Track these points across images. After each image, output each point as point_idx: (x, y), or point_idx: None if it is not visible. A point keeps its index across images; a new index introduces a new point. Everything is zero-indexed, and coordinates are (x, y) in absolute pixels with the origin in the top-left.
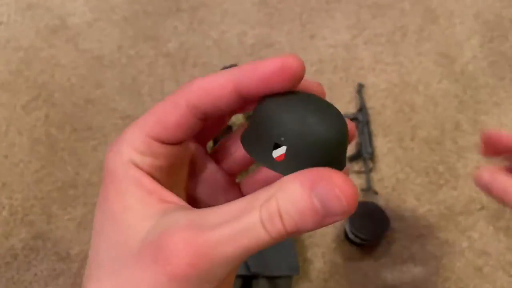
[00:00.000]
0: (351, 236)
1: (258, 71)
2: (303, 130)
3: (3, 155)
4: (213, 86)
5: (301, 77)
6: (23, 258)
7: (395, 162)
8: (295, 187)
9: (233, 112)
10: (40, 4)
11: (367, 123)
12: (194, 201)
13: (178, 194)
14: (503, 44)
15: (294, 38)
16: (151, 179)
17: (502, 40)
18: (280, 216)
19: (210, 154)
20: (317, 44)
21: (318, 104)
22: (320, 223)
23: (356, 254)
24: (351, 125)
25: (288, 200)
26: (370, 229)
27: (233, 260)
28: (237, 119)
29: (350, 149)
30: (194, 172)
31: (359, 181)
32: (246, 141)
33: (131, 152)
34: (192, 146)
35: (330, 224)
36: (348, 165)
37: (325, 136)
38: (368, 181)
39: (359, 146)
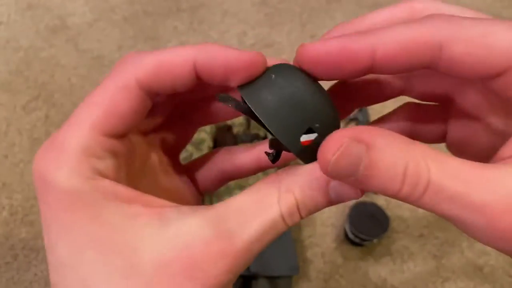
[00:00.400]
0: (351, 236)
1: (223, 60)
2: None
3: (3, 155)
4: (170, 64)
5: (259, 72)
6: (23, 258)
7: None
8: (312, 182)
9: (187, 92)
10: (40, 4)
11: (367, 123)
12: (147, 189)
13: (146, 190)
14: None
15: (294, 38)
16: (124, 186)
17: None
18: (299, 210)
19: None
20: None
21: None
22: (329, 205)
23: (356, 254)
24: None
25: (306, 196)
26: (370, 229)
27: (257, 254)
28: (237, 119)
29: None
30: (143, 166)
31: None
32: (249, 92)
33: (87, 160)
34: (135, 137)
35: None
36: None
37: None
38: None
39: None
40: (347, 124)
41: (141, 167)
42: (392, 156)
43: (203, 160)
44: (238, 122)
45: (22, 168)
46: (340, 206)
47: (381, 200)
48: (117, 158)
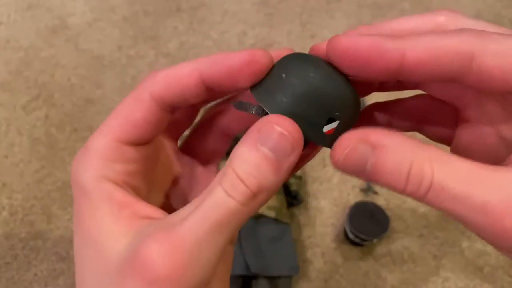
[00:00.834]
0: (351, 236)
1: (225, 63)
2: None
3: (3, 155)
4: (177, 77)
5: (266, 70)
6: (23, 258)
7: None
8: (243, 149)
9: (202, 102)
10: (40, 4)
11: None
12: (179, 201)
13: (157, 199)
14: None
15: (294, 38)
16: (123, 191)
17: None
18: (241, 180)
19: (181, 150)
20: None
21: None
22: (280, 170)
23: (356, 254)
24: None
25: (241, 162)
26: (370, 229)
27: (212, 243)
28: None
29: None
30: (170, 171)
31: (359, 181)
32: (259, 92)
33: (100, 163)
34: (164, 143)
35: (289, 169)
36: None
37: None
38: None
39: None
40: None
41: (165, 173)
42: (397, 156)
43: (202, 129)
44: None
45: (22, 168)
46: (340, 206)
47: (381, 200)
48: (132, 163)
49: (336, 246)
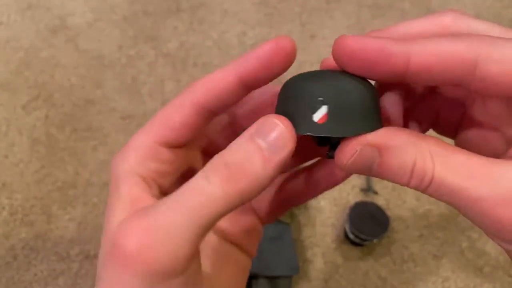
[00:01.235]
0: (351, 236)
1: (255, 55)
2: (336, 91)
3: (3, 155)
4: (216, 81)
5: (294, 55)
6: (23, 258)
7: None
8: (238, 140)
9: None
10: (40, 4)
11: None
12: None
13: None
14: None
15: (294, 38)
16: (144, 188)
17: None
18: (225, 164)
19: None
20: (317, 44)
21: (331, 74)
22: (269, 164)
23: (356, 254)
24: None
25: (232, 150)
26: (370, 229)
27: (185, 227)
28: None
29: None
30: None
31: (359, 181)
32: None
33: (136, 159)
34: (198, 155)
35: (278, 168)
36: None
37: (355, 94)
38: (368, 181)
39: None
40: None
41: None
42: (401, 156)
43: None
44: None
45: (22, 168)
46: (340, 206)
47: (381, 200)
48: (165, 163)
49: (336, 246)
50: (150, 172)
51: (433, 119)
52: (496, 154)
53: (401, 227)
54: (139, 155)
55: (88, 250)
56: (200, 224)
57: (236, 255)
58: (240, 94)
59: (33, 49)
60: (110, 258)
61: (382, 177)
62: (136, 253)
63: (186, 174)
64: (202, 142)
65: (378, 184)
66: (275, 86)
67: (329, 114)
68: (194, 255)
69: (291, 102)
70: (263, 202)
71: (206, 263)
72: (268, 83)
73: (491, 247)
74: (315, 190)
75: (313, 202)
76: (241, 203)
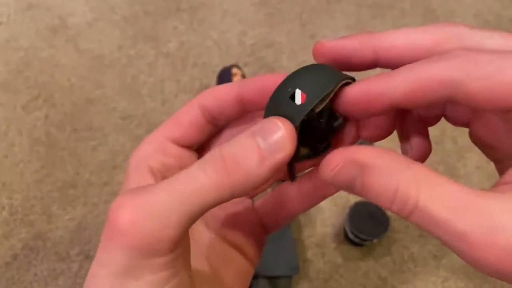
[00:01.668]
0: (351, 236)
1: (257, 83)
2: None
3: (3, 155)
4: (219, 91)
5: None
6: (23, 258)
7: None
8: (239, 136)
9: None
10: (40, 4)
11: None
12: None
13: None
14: None
15: (294, 38)
16: (146, 178)
17: None
18: (221, 156)
19: None
20: None
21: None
22: (264, 162)
23: (356, 254)
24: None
25: (230, 145)
26: (370, 229)
27: (172, 209)
28: None
29: None
30: None
31: None
32: (266, 107)
33: (147, 151)
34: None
35: (274, 169)
36: None
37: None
38: None
39: None
40: None
41: None
42: (384, 178)
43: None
44: None
45: (22, 168)
46: (340, 206)
47: None
48: (171, 157)
49: (336, 246)
50: (157, 164)
51: (438, 117)
52: (509, 154)
53: (401, 227)
54: (150, 148)
55: (88, 250)
56: (188, 210)
57: (238, 259)
58: (238, 109)
59: (33, 49)
60: (104, 231)
61: (365, 196)
62: (123, 227)
63: None
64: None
65: None
66: None
67: (305, 92)
68: (180, 239)
69: (275, 103)
70: (267, 209)
71: (207, 263)
72: (261, 108)
73: None
74: (305, 202)
75: None
76: (231, 197)
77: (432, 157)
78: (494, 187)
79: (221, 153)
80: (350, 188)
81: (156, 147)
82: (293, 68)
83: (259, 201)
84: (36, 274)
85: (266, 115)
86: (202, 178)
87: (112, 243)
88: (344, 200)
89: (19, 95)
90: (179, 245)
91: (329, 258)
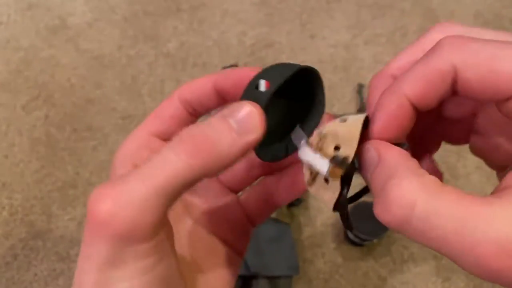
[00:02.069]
0: (351, 236)
1: (231, 76)
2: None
3: (3, 155)
4: (197, 84)
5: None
6: (23, 258)
7: None
8: (210, 119)
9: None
10: (40, 4)
11: None
12: (187, 204)
13: None
14: None
15: (294, 38)
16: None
17: None
18: (191, 136)
19: None
20: (317, 44)
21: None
22: (235, 143)
23: (356, 254)
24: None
25: (200, 125)
26: (370, 229)
27: (150, 197)
28: None
29: None
30: None
31: (359, 180)
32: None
33: (132, 147)
34: None
35: (244, 149)
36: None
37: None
38: None
39: None
40: None
41: None
42: (387, 175)
43: (253, 186)
44: None
45: (22, 168)
46: None
47: None
48: (153, 151)
49: (336, 246)
50: (140, 159)
51: (439, 140)
52: (507, 160)
53: None
54: (134, 145)
55: None
56: (162, 193)
57: (225, 252)
58: (216, 100)
59: (33, 49)
60: (86, 224)
61: (372, 189)
62: (102, 218)
63: None
64: None
65: None
66: None
67: (268, 81)
68: (160, 224)
69: (245, 95)
70: (252, 202)
71: (195, 253)
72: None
73: None
74: (287, 194)
75: (313, 202)
76: (204, 177)
77: (444, 185)
78: (496, 192)
79: (191, 133)
80: (366, 175)
81: (139, 143)
82: None
83: (243, 195)
84: (36, 274)
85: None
86: (173, 160)
87: (94, 235)
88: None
89: (19, 95)
90: (160, 231)
91: (329, 258)
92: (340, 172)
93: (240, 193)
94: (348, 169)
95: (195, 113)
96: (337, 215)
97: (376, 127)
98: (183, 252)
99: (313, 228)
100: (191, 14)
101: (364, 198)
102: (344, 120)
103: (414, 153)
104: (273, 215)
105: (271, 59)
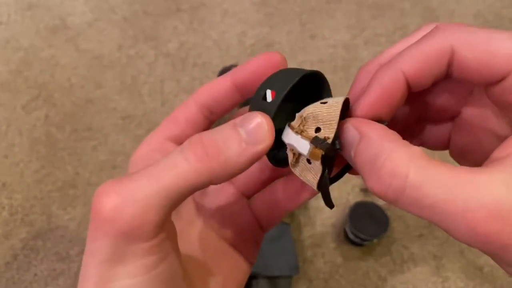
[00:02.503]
0: (351, 236)
1: (249, 65)
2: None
3: (3, 155)
4: (216, 85)
5: (282, 66)
6: (23, 258)
7: None
8: (221, 126)
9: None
10: (40, 4)
11: None
12: (199, 207)
13: None
14: None
15: (294, 38)
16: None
17: None
18: (201, 142)
19: None
20: (317, 44)
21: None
22: (244, 152)
23: (356, 254)
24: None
25: (211, 132)
26: (370, 229)
27: (154, 197)
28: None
29: None
30: None
31: (359, 181)
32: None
33: (146, 150)
34: None
35: (252, 160)
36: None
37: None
38: None
39: None
40: None
41: None
42: (373, 149)
43: (263, 191)
44: None
45: (22, 168)
46: (340, 206)
47: (381, 200)
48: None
49: (336, 246)
50: (152, 161)
51: (422, 139)
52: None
53: (401, 227)
54: (148, 148)
55: None
56: (167, 195)
57: (235, 257)
58: (235, 98)
59: (33, 49)
60: (90, 220)
61: (356, 169)
62: (107, 214)
63: None
64: None
65: None
66: None
67: (274, 90)
68: (163, 224)
69: (253, 106)
70: (262, 208)
71: (203, 255)
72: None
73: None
74: (294, 200)
75: (313, 202)
76: (209, 183)
77: (431, 157)
78: (485, 163)
79: (201, 139)
80: (348, 154)
81: (153, 147)
82: None
83: (254, 199)
84: (36, 274)
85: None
86: (182, 163)
87: (98, 230)
88: (344, 200)
89: (19, 95)
90: (163, 230)
91: (329, 258)
92: (320, 153)
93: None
94: (329, 149)
95: (211, 116)
96: (337, 215)
97: (369, 98)
98: (193, 254)
99: (313, 228)
100: (191, 14)
101: (364, 198)
102: (325, 103)
103: None
104: None
105: None
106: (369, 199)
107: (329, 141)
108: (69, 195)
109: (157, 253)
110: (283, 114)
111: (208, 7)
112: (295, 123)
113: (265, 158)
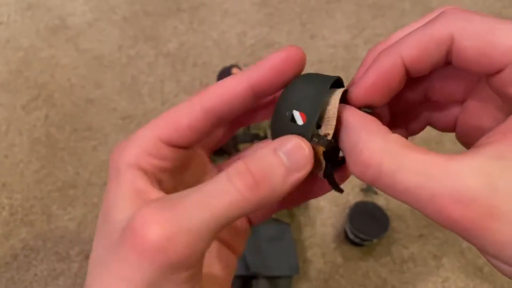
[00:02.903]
0: (351, 236)
1: (268, 63)
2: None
3: (3, 155)
4: (228, 87)
5: (303, 64)
6: (23, 258)
7: None
8: (261, 151)
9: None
10: (40, 4)
11: None
12: None
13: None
14: None
15: (294, 38)
16: (147, 181)
17: None
18: (248, 170)
19: (219, 166)
20: (317, 44)
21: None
22: (287, 179)
23: (356, 254)
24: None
25: (255, 159)
26: (370, 229)
27: (203, 223)
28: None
29: None
30: (199, 179)
31: (359, 181)
32: (271, 129)
33: (138, 152)
34: (200, 154)
35: (294, 185)
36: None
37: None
38: None
39: None
40: None
41: (194, 180)
42: (352, 137)
43: None
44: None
45: (22, 168)
46: (340, 206)
47: (381, 200)
48: (167, 161)
49: (336, 246)
50: (151, 167)
51: (426, 121)
52: None
53: (401, 227)
54: (142, 149)
55: (88, 250)
56: (218, 223)
57: (226, 254)
58: (250, 102)
59: (33, 49)
60: (125, 244)
61: (342, 151)
62: (156, 242)
63: (186, 172)
64: (209, 143)
65: None
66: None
67: (302, 111)
68: (206, 250)
69: (280, 125)
70: None
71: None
72: (278, 91)
73: None
74: (288, 199)
75: (313, 202)
76: (255, 211)
77: (410, 143)
78: (470, 149)
79: (248, 167)
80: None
81: (146, 148)
82: None
83: None
84: (36, 274)
85: (274, 136)
86: (232, 192)
87: (142, 259)
88: (344, 200)
89: (19, 95)
90: (204, 255)
91: (329, 258)
92: (321, 149)
93: None
94: (330, 145)
95: (219, 121)
96: (337, 215)
97: (364, 82)
98: None
99: (313, 228)
100: (191, 14)
101: (364, 198)
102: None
103: (392, 126)
104: (273, 215)
105: None
106: (369, 199)
107: (329, 137)
108: (69, 195)
109: (189, 282)
110: None
111: (208, 7)
112: None
113: None
